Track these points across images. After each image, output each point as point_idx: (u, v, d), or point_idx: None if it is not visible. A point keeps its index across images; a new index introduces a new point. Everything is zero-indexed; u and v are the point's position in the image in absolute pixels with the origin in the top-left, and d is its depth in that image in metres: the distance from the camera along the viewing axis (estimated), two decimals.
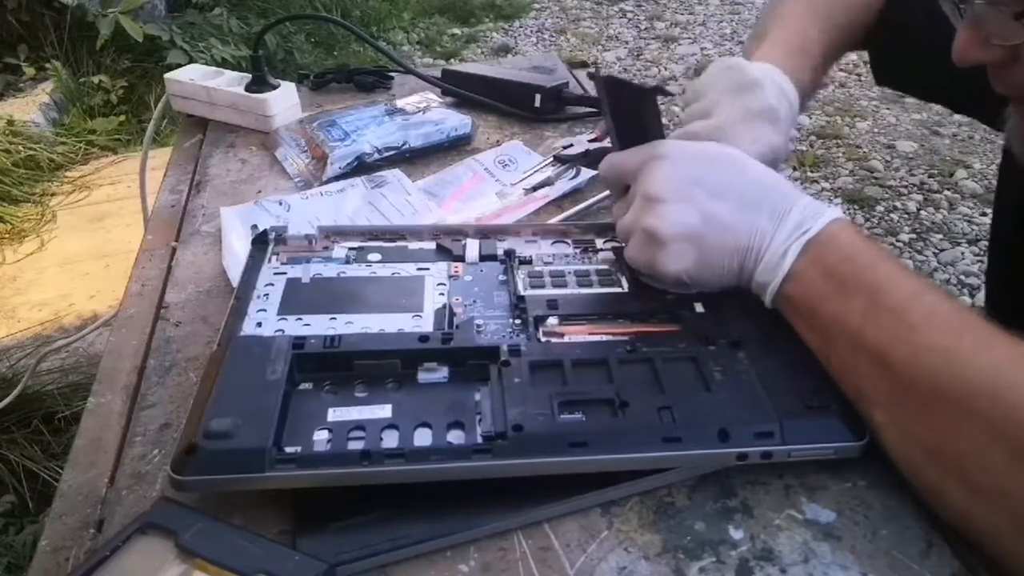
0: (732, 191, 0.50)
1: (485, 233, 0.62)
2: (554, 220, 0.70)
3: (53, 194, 2.34)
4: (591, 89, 0.99)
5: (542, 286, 0.56)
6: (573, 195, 0.75)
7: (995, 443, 0.39)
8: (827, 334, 0.46)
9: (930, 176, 2.53)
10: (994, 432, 0.39)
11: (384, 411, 0.45)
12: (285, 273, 0.57)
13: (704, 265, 0.51)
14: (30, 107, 2.63)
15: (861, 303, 0.44)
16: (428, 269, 0.58)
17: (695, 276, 0.51)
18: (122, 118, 2.72)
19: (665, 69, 3.37)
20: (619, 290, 0.56)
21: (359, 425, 0.43)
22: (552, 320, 0.52)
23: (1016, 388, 0.38)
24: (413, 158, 0.82)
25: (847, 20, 0.72)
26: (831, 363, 0.46)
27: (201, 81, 0.91)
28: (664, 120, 0.58)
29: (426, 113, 0.87)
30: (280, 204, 0.72)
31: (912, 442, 0.43)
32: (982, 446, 0.39)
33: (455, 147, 0.85)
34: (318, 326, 0.51)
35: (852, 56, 3.42)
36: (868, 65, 0.78)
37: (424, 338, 0.48)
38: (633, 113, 0.56)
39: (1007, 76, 0.51)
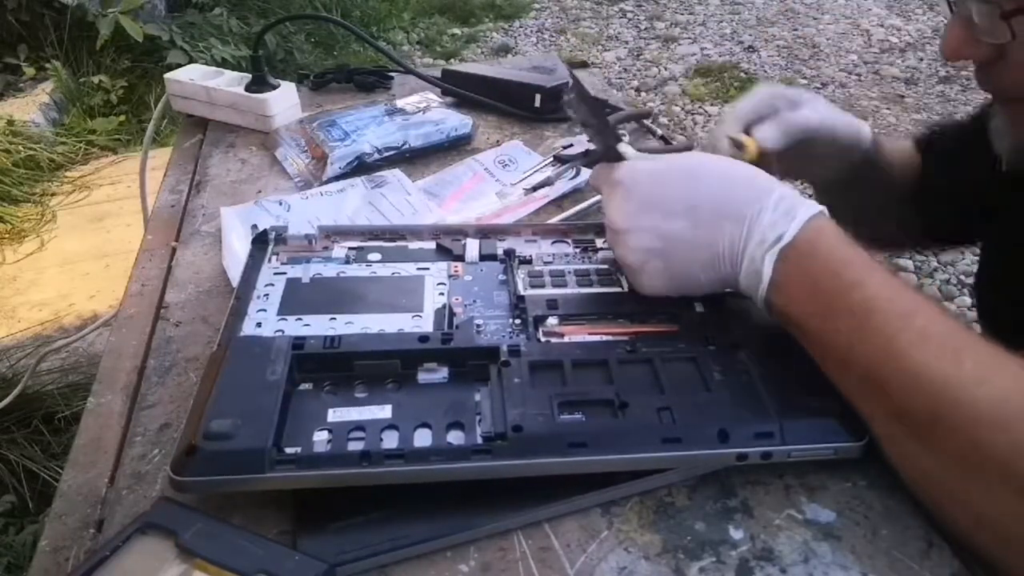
0: (689, 206, 0.49)
1: (485, 233, 0.62)
2: (554, 220, 0.71)
3: (53, 194, 2.34)
4: (591, 89, 0.99)
5: (542, 286, 0.56)
6: (573, 195, 0.75)
7: (1003, 475, 0.37)
8: (816, 349, 0.46)
9: None
10: (1002, 464, 0.37)
11: (384, 411, 0.45)
12: (285, 273, 0.57)
13: (680, 281, 0.50)
14: (30, 107, 2.63)
15: (849, 324, 0.43)
16: (428, 269, 0.58)
17: (676, 290, 0.51)
18: (122, 118, 2.72)
19: (665, 69, 3.37)
20: (619, 290, 0.56)
21: (359, 426, 0.43)
22: (552, 320, 0.52)
23: None
24: (413, 158, 0.82)
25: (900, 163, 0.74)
26: (825, 372, 0.45)
27: (201, 81, 0.91)
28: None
29: (426, 113, 0.87)
30: (280, 204, 0.72)
31: (910, 462, 0.42)
32: (988, 477, 0.38)
33: (455, 147, 0.85)
34: (318, 326, 0.51)
35: (852, 56, 3.43)
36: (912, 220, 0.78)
37: (424, 338, 0.48)
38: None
39: (993, 74, 0.51)
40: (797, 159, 0.62)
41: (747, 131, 0.61)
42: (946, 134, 0.77)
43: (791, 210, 0.46)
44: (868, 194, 0.72)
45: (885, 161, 0.72)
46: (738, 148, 0.59)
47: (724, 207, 0.48)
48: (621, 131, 0.84)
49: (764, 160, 0.48)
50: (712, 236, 0.48)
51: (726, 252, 0.48)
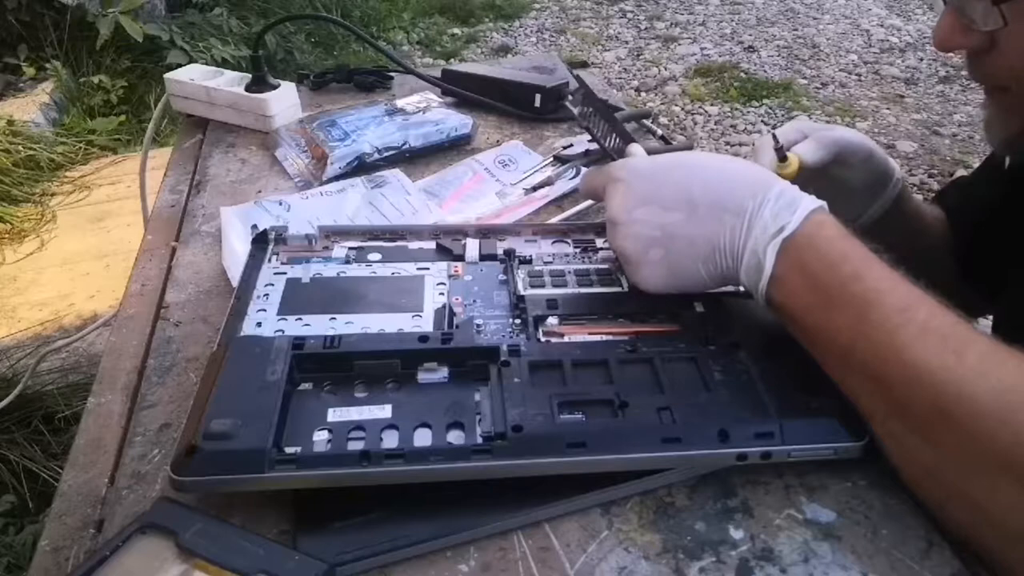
0: (687, 200, 0.49)
1: (485, 233, 0.62)
2: (554, 220, 0.70)
3: (53, 194, 2.34)
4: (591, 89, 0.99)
5: (542, 286, 0.56)
6: (573, 195, 0.75)
7: (1005, 469, 0.37)
8: (816, 346, 0.45)
9: (930, 176, 2.53)
10: (1004, 457, 0.37)
11: (384, 411, 0.45)
12: (285, 273, 0.57)
13: (680, 276, 0.50)
14: (30, 107, 2.63)
15: (849, 318, 0.42)
16: (428, 269, 0.58)
17: (676, 286, 0.51)
18: (122, 118, 2.72)
19: (665, 69, 3.37)
20: (619, 289, 0.56)
21: (359, 425, 0.43)
22: (552, 320, 0.52)
23: None
24: (413, 158, 0.82)
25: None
26: (825, 368, 0.45)
27: (201, 81, 0.91)
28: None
29: (426, 113, 0.87)
30: (280, 204, 0.72)
31: (911, 458, 0.42)
32: (990, 471, 0.38)
33: (455, 147, 0.85)
34: (318, 326, 0.51)
35: (852, 56, 3.43)
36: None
37: (424, 338, 0.48)
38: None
39: (985, 63, 0.51)
40: (834, 182, 0.63)
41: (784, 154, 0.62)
42: (960, 183, 0.78)
43: (793, 202, 0.46)
44: (910, 240, 0.71)
45: (916, 207, 0.72)
46: (782, 162, 0.60)
47: (725, 200, 0.48)
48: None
49: (802, 180, 0.49)
50: (712, 229, 0.48)
51: (727, 245, 0.48)
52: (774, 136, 0.61)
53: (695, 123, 2.93)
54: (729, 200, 0.48)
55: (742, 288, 0.50)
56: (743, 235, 0.47)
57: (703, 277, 0.50)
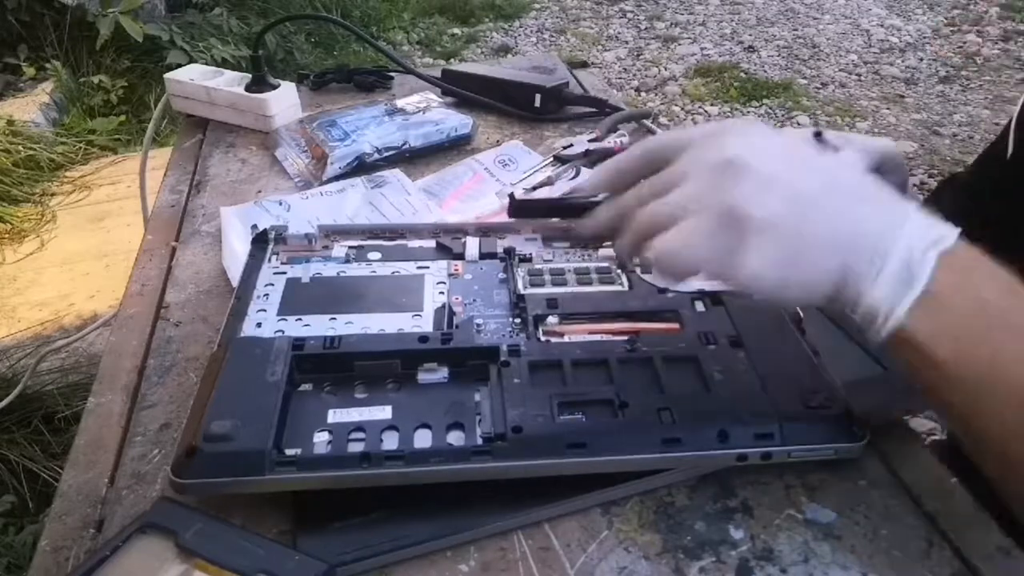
0: (827, 168, 0.39)
1: (485, 231, 0.62)
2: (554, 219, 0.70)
3: (53, 194, 2.34)
4: (591, 89, 0.99)
5: (542, 284, 0.56)
6: (572, 195, 0.75)
7: None
8: (966, 379, 0.35)
9: (930, 176, 2.53)
10: None
11: (384, 412, 0.45)
12: (285, 273, 0.57)
13: (795, 265, 0.37)
14: (30, 107, 2.63)
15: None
16: (428, 268, 0.58)
17: (781, 280, 0.37)
18: (122, 118, 2.72)
19: (665, 69, 3.37)
20: (619, 288, 0.56)
21: (359, 427, 0.43)
22: (552, 319, 0.52)
23: None
24: (413, 158, 0.82)
25: None
26: (981, 422, 0.36)
27: (201, 81, 0.91)
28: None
29: (426, 113, 0.87)
30: (280, 204, 0.72)
31: None
32: None
33: (455, 147, 0.85)
34: (318, 326, 0.51)
35: (852, 56, 3.43)
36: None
37: (424, 338, 0.48)
38: None
39: None
40: None
41: None
42: (956, 181, 0.77)
43: (935, 221, 0.38)
44: None
45: None
46: None
47: (863, 188, 0.39)
48: (621, 130, 0.84)
49: None
50: (852, 214, 0.37)
51: (861, 242, 0.36)
52: (817, 133, 0.52)
53: (695, 123, 2.93)
54: (869, 191, 0.39)
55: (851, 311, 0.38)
56: (889, 236, 0.36)
57: (818, 277, 0.37)
